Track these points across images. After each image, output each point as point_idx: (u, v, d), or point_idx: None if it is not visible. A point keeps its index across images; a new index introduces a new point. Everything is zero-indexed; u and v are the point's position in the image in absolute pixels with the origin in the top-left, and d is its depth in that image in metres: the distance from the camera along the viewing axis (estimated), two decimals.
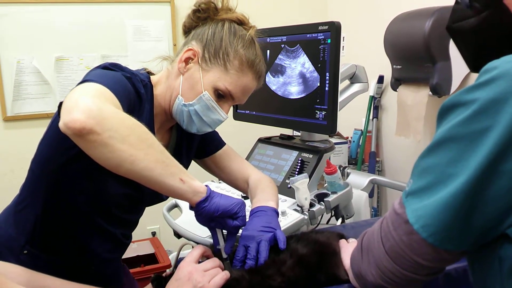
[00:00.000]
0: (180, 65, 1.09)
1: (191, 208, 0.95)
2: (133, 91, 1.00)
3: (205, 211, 0.94)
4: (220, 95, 1.09)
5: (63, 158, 0.98)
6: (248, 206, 1.24)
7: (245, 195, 1.42)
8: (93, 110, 0.79)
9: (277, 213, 1.13)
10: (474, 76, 2.05)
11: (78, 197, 1.01)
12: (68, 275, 1.03)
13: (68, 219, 1.03)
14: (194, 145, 1.27)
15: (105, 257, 1.12)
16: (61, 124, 0.80)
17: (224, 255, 0.99)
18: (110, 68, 1.00)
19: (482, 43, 0.76)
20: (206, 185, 0.96)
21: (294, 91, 1.63)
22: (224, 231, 1.02)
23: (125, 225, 1.16)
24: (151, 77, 1.14)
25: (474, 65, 0.79)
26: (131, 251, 2.55)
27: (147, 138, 0.86)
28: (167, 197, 1.21)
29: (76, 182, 1.00)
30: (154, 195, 1.15)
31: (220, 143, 1.33)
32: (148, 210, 1.26)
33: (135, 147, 0.83)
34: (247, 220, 1.07)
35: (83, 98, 0.81)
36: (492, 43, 0.74)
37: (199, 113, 1.09)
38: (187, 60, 1.10)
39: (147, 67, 1.18)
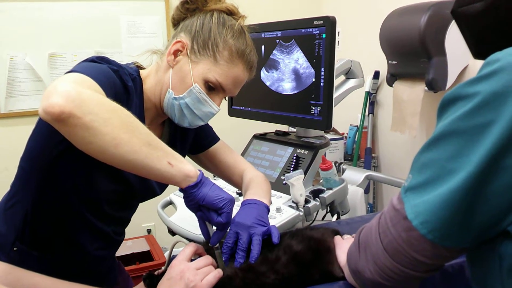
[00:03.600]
0: (169, 58, 1.07)
1: (180, 189, 0.93)
2: (119, 84, 0.98)
3: (191, 196, 0.92)
4: (211, 87, 1.07)
5: (51, 154, 0.96)
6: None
7: (240, 191, 1.41)
8: (72, 93, 0.77)
9: (268, 210, 1.12)
10: (471, 71, 2.03)
11: (68, 193, 1.00)
12: (60, 273, 1.02)
13: (57, 215, 1.02)
14: (188, 139, 1.25)
15: (96, 254, 1.11)
16: (40, 111, 0.78)
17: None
18: (96, 61, 0.98)
19: (487, 29, 0.73)
20: (200, 170, 0.93)
21: (287, 87, 1.62)
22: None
23: (116, 222, 1.15)
24: (141, 71, 1.12)
25: (477, 51, 0.76)
26: (126, 249, 2.55)
27: (130, 120, 0.84)
28: (160, 192, 1.20)
29: (65, 179, 0.98)
30: (146, 190, 1.13)
31: (214, 138, 1.32)
32: (143, 207, 1.24)
33: (118, 130, 0.81)
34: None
35: (61, 84, 0.79)
36: (497, 30, 0.71)
37: (190, 106, 1.07)
38: (175, 53, 1.08)
39: (137, 61, 1.16)
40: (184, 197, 0.95)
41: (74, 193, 1.00)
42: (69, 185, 0.99)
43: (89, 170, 0.98)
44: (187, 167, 0.90)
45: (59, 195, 1.00)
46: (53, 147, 0.96)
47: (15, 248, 1.02)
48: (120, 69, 1.01)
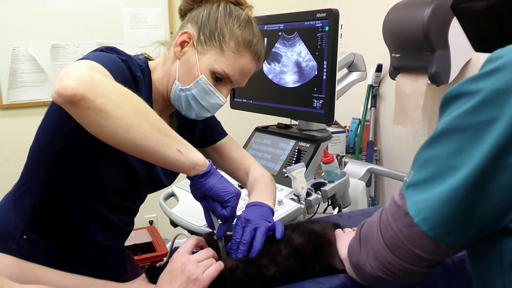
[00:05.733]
0: (175, 49, 1.07)
1: (188, 177, 0.93)
2: (128, 74, 0.98)
3: (199, 185, 0.92)
4: (218, 78, 1.06)
5: (60, 144, 0.96)
6: (244, 195, 1.22)
7: (240, 184, 1.41)
8: (84, 77, 0.78)
9: (273, 213, 1.11)
10: (474, 64, 2.02)
11: (76, 183, 1.00)
12: (69, 262, 1.03)
13: (66, 204, 1.02)
14: (196, 132, 1.25)
15: (104, 244, 1.11)
16: (52, 94, 0.79)
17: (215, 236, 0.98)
18: (105, 51, 0.99)
19: (488, 27, 0.72)
20: (209, 161, 0.93)
21: (290, 80, 1.62)
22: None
23: (124, 212, 1.15)
24: (149, 62, 1.12)
25: (479, 45, 0.76)
26: (128, 240, 2.53)
27: (142, 106, 0.85)
28: (168, 184, 1.19)
29: (74, 168, 0.99)
30: (153, 182, 1.14)
31: (222, 133, 1.31)
32: (146, 198, 1.24)
33: (130, 115, 0.81)
34: (242, 210, 1.06)
35: (74, 68, 0.80)
36: (499, 28, 0.70)
37: (197, 98, 1.06)
38: (182, 44, 1.07)
39: (145, 52, 1.16)
40: (190, 185, 0.95)
41: (82, 183, 1.00)
42: (77, 175, 1.00)
43: (97, 160, 0.98)
44: (196, 155, 0.91)
45: (67, 184, 1.00)
46: (61, 137, 0.96)
47: (24, 237, 1.03)
48: (129, 59, 1.01)
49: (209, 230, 1.17)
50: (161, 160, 0.87)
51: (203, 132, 1.27)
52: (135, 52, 1.17)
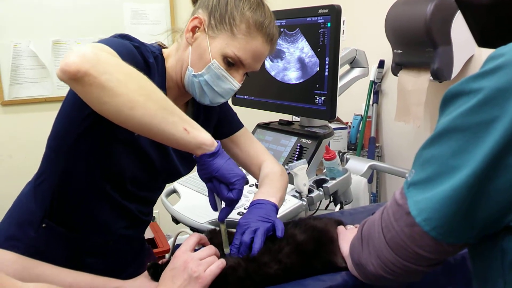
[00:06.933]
0: (187, 35, 1.06)
1: (195, 157, 0.93)
2: (140, 59, 0.98)
3: (206, 165, 0.91)
4: (230, 63, 1.05)
5: (76, 132, 0.97)
6: (246, 192, 1.22)
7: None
8: (89, 54, 0.79)
9: (277, 209, 1.09)
10: (476, 61, 2.00)
11: (93, 170, 1.01)
12: (86, 251, 1.05)
13: (83, 192, 1.03)
14: (211, 122, 1.24)
15: (121, 233, 1.12)
16: (57, 71, 0.79)
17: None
18: (118, 38, 0.99)
19: (493, 21, 0.71)
20: (218, 142, 0.92)
21: (293, 76, 1.61)
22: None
23: (141, 201, 1.14)
24: (163, 50, 1.11)
25: (482, 40, 0.75)
26: None
27: (147, 84, 0.85)
28: (185, 173, 1.19)
29: (90, 156, 0.99)
30: (169, 170, 1.13)
31: (238, 125, 1.30)
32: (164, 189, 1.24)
33: (134, 92, 0.81)
34: (244, 206, 1.05)
35: (80, 48, 0.81)
36: (504, 24, 0.69)
37: (210, 83, 1.05)
38: (193, 29, 1.06)
39: (160, 40, 1.16)
40: (197, 165, 0.94)
41: (98, 170, 1.01)
42: (94, 163, 1.00)
43: (112, 147, 0.99)
44: (203, 135, 0.90)
45: (84, 172, 1.01)
46: (77, 125, 0.97)
47: (44, 225, 1.04)
48: (141, 46, 1.01)
49: (211, 227, 1.17)
50: (166, 138, 0.87)
51: (218, 124, 1.26)
52: (155, 40, 1.17)
